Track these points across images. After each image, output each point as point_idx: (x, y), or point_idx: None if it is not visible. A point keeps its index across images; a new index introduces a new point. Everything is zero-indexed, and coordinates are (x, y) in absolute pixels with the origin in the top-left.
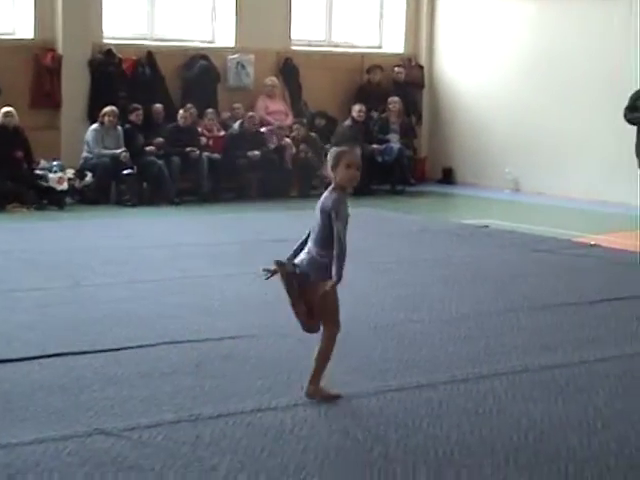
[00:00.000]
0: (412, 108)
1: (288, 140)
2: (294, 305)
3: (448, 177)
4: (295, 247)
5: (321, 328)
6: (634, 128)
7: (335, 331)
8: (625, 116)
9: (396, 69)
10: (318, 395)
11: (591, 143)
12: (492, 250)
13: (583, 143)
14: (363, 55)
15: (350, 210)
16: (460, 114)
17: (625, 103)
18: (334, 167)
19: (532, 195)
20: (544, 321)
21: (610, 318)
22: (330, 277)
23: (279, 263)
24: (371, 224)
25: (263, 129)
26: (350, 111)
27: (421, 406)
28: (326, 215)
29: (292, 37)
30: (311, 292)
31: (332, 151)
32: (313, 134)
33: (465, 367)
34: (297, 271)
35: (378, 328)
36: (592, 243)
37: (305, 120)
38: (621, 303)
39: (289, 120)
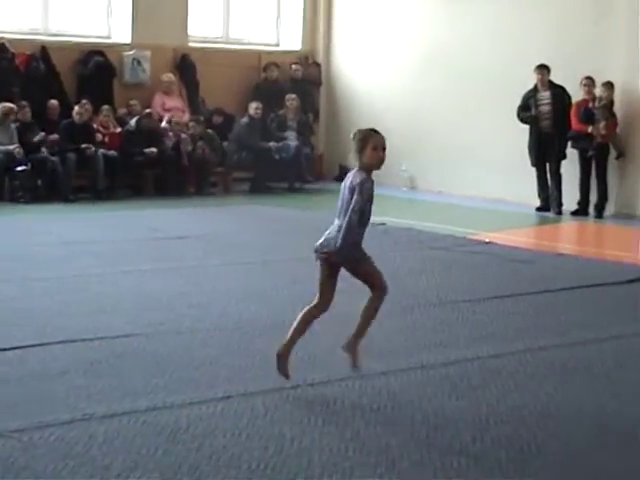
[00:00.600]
0: (309, 106)
1: (185, 137)
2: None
3: (345, 174)
4: None
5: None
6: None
7: (384, 291)
8: (518, 115)
9: (293, 67)
10: (353, 351)
11: (487, 141)
12: (388, 248)
13: (479, 141)
14: (260, 52)
15: (250, 207)
16: (357, 111)
17: (519, 102)
18: (361, 149)
19: (428, 193)
20: (439, 318)
21: (503, 314)
22: (360, 251)
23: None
24: (268, 221)
25: (163, 123)
26: (247, 108)
27: (316, 403)
28: (352, 192)
29: (189, 33)
30: (353, 269)
31: (358, 134)
32: (210, 131)
33: (361, 364)
34: (325, 250)
35: (275, 325)
36: (487, 240)
37: (202, 117)
38: (514, 299)
39: (186, 117)
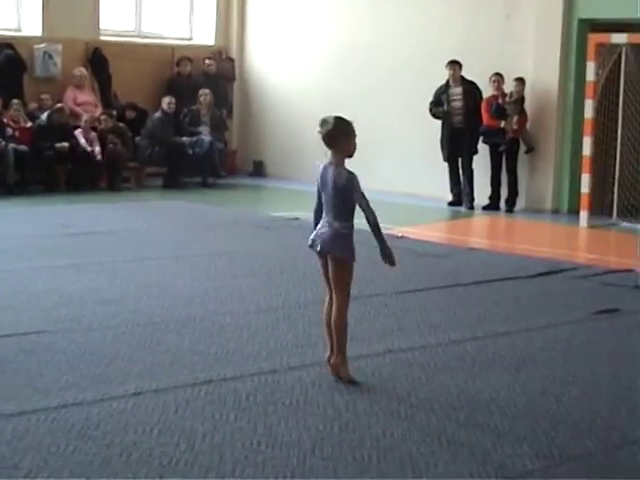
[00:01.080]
0: (223, 101)
1: (94, 134)
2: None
3: (259, 170)
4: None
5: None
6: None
7: (346, 301)
8: (430, 111)
9: (207, 61)
10: (342, 373)
11: (401, 136)
12: (302, 242)
13: (393, 136)
14: (173, 47)
15: (163, 202)
16: (271, 107)
17: (431, 97)
18: (348, 138)
19: None
20: (351, 312)
21: (415, 308)
22: (350, 248)
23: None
24: (181, 217)
25: (77, 132)
26: (160, 103)
27: (228, 398)
28: (344, 191)
29: (101, 27)
30: (330, 264)
31: (341, 123)
32: (123, 125)
33: (273, 358)
34: (318, 249)
35: (187, 321)
36: (400, 235)
37: (115, 112)
38: (426, 293)
39: (98, 111)
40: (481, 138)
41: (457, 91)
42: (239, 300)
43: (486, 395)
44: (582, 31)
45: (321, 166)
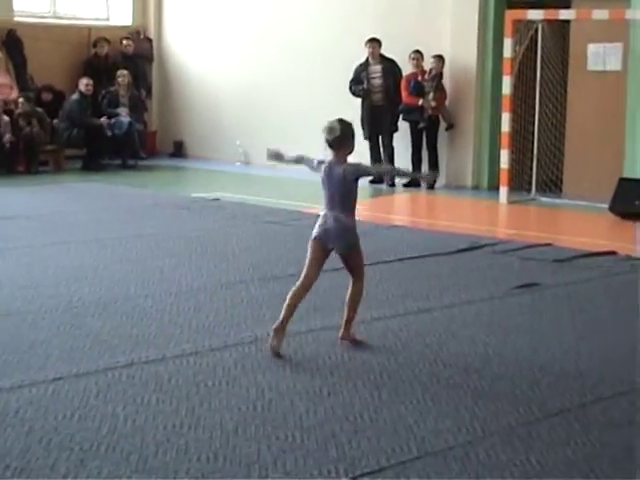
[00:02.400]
0: (142, 82)
1: (7, 119)
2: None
3: (179, 151)
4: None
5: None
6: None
7: (363, 283)
8: (350, 89)
9: (124, 42)
10: (351, 338)
11: (322, 116)
12: (223, 223)
13: (314, 116)
14: (90, 28)
15: (82, 185)
16: (190, 87)
17: (351, 76)
18: (354, 139)
19: (263, 168)
20: (274, 292)
21: (337, 287)
22: (357, 236)
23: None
24: (101, 199)
25: None
26: (78, 85)
27: (150, 381)
28: (350, 181)
29: (15, 8)
30: (350, 256)
31: (348, 128)
32: (39, 109)
33: (195, 340)
34: (330, 246)
35: (107, 304)
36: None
37: (31, 94)
38: (347, 272)
39: (14, 94)
40: (401, 116)
41: (377, 69)
42: (160, 282)
43: (408, 372)
44: (499, 8)
45: (322, 165)
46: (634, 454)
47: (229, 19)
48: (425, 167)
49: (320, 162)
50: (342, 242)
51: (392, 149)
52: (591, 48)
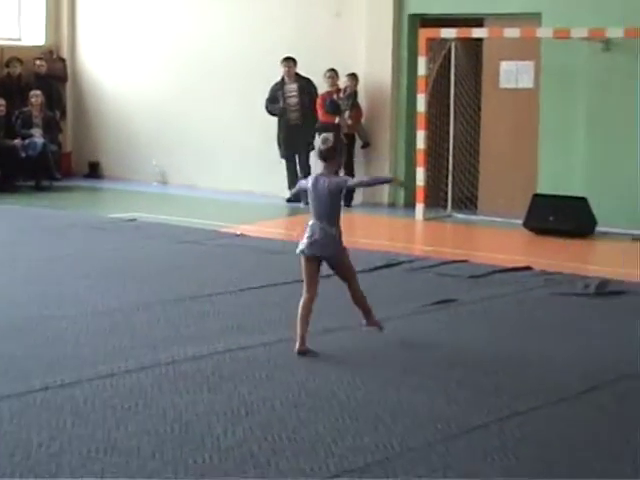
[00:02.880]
0: (56, 102)
1: None
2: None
3: (95, 171)
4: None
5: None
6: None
7: (357, 280)
8: (267, 108)
9: (37, 62)
10: (377, 324)
11: (238, 134)
12: (140, 243)
13: (229, 134)
14: (2, 47)
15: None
16: (105, 107)
17: (267, 95)
18: (344, 153)
19: (180, 187)
20: (191, 312)
21: (254, 306)
22: (341, 242)
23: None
24: (16, 221)
25: None
26: None
27: (65, 405)
28: (338, 192)
29: None
30: (337, 263)
31: (340, 139)
32: None
33: (111, 362)
34: (318, 254)
35: (22, 326)
36: (238, 233)
37: None
38: (266, 290)
39: None
40: (317, 134)
41: (292, 88)
42: (75, 303)
43: (327, 390)
44: (413, 26)
45: (310, 178)
46: (551, 469)
47: (144, 38)
48: None
49: (306, 181)
50: (329, 251)
51: (309, 167)
52: (503, 66)
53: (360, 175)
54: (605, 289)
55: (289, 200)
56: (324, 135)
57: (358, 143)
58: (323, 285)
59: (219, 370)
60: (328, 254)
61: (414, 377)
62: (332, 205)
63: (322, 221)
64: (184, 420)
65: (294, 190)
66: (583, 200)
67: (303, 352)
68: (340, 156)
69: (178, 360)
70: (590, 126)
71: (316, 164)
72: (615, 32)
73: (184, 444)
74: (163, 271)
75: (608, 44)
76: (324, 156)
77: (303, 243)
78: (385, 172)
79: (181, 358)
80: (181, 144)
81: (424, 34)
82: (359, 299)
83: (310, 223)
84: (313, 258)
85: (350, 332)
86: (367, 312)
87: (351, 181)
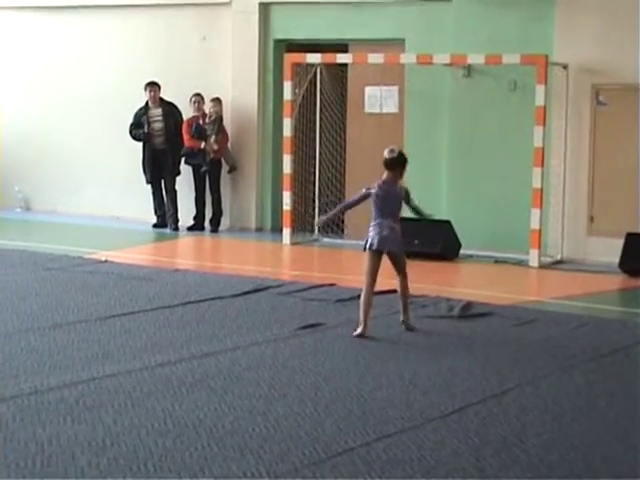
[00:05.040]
0: None
1: None
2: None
3: None
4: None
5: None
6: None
7: (407, 276)
8: (131, 132)
9: None
10: (408, 325)
11: (104, 159)
12: (1, 271)
13: (94, 159)
14: None
15: None
16: None
17: (131, 120)
18: (406, 166)
19: (44, 213)
20: (54, 341)
21: (121, 333)
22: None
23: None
24: None
25: None
26: None
27: None
28: (403, 197)
29: None
30: (394, 257)
31: (403, 153)
32: None
33: None
34: (385, 250)
35: None
36: (104, 259)
37: None
38: (131, 317)
39: None
40: (183, 159)
41: (157, 112)
42: None
43: (193, 417)
44: (278, 51)
45: (375, 185)
46: None
47: (10, 63)
48: (209, 210)
49: (368, 189)
50: (397, 245)
51: (175, 193)
52: (368, 91)
53: (227, 201)
54: (469, 311)
55: (155, 226)
56: (392, 147)
57: (225, 168)
58: (199, 313)
59: (83, 399)
60: (396, 248)
61: (282, 402)
62: (398, 207)
63: (389, 219)
64: (46, 453)
65: (357, 197)
66: (447, 223)
67: (362, 335)
68: (402, 167)
69: (41, 390)
70: (453, 149)
71: (182, 188)
72: (476, 58)
73: (45, 477)
74: (25, 299)
75: (469, 70)
76: (388, 164)
77: (373, 240)
78: (252, 197)
79: (44, 388)
80: (45, 168)
81: (290, 59)
82: (406, 293)
83: (377, 222)
84: (379, 253)
85: (214, 358)
86: (406, 307)
87: (412, 200)
